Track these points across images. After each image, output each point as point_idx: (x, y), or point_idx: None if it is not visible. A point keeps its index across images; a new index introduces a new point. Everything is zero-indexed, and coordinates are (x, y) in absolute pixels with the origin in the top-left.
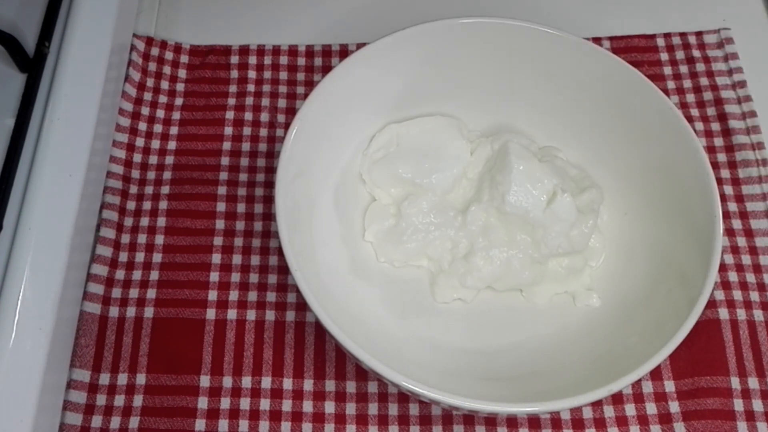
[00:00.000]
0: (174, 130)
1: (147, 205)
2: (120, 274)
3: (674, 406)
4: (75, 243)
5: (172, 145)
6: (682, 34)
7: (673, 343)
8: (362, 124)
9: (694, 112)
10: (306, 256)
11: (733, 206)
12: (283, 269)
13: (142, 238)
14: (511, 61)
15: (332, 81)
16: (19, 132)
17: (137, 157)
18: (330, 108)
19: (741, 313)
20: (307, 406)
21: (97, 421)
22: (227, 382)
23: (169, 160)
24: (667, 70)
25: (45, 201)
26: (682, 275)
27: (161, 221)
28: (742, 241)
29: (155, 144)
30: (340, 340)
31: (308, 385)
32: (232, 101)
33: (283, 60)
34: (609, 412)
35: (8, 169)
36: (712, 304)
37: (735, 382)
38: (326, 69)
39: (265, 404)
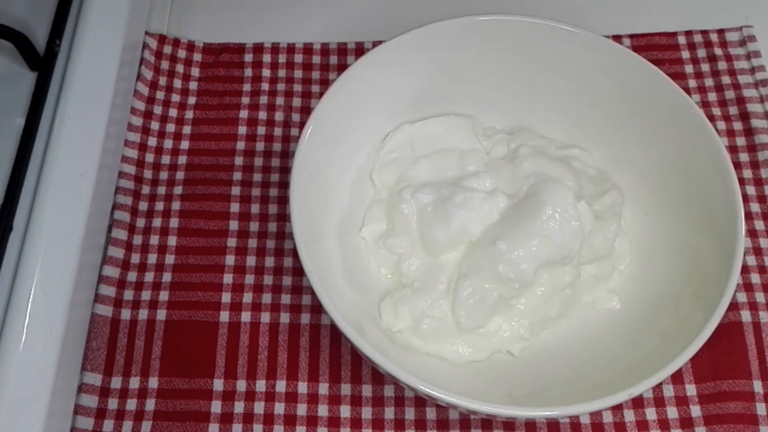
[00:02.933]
0: (187, 130)
1: (159, 206)
2: (132, 276)
3: (696, 410)
4: (86, 244)
5: (185, 144)
6: (704, 32)
7: (694, 346)
8: (378, 123)
9: (716, 111)
10: (321, 257)
11: (755, 207)
12: (298, 271)
13: (154, 240)
14: (529, 60)
15: (348, 79)
16: (30, 131)
17: (149, 157)
18: (345, 107)
19: (764, 316)
20: (323, 411)
21: (108, 425)
22: (241, 385)
23: (182, 159)
24: (689, 68)
25: (56, 201)
26: (704, 277)
27: (174, 222)
28: (765, 243)
29: (168, 143)
30: (355, 342)
31: (323, 388)
32: (246, 100)
33: (298, 58)
34: (629, 416)
35: (18, 169)
36: (734, 306)
37: (757, 386)
38: (342, 67)
39: (279, 408)
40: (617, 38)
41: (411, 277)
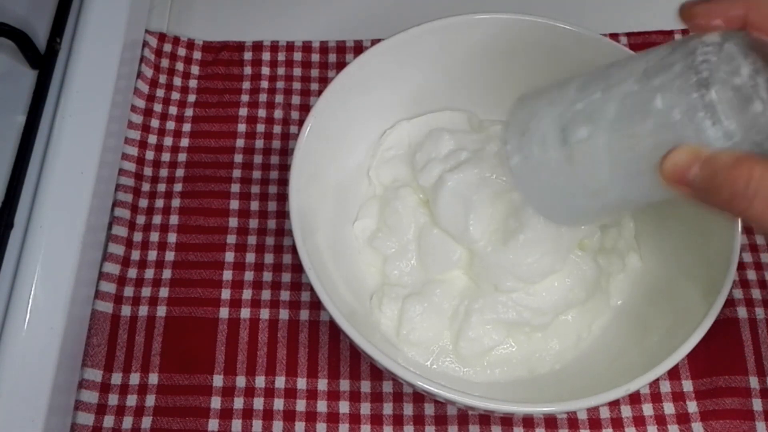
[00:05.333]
0: (187, 127)
1: (159, 203)
2: (132, 273)
3: (692, 406)
4: (87, 241)
5: (184, 142)
6: None
7: (690, 342)
8: (377, 120)
9: None
10: (320, 254)
11: None
12: (297, 267)
13: (154, 236)
14: (527, 57)
15: (347, 77)
16: (31, 129)
17: (149, 155)
18: (344, 104)
19: (760, 312)
20: (321, 406)
21: (109, 421)
22: (240, 381)
23: (182, 157)
24: None
25: (56, 198)
26: (700, 273)
27: (174, 219)
28: (761, 239)
29: (168, 141)
30: (354, 339)
31: (322, 384)
32: (245, 98)
33: (297, 56)
34: (626, 411)
35: (19, 167)
36: (730, 302)
37: (753, 382)
38: (341, 65)
39: (278, 404)
40: (614, 36)
41: (398, 281)
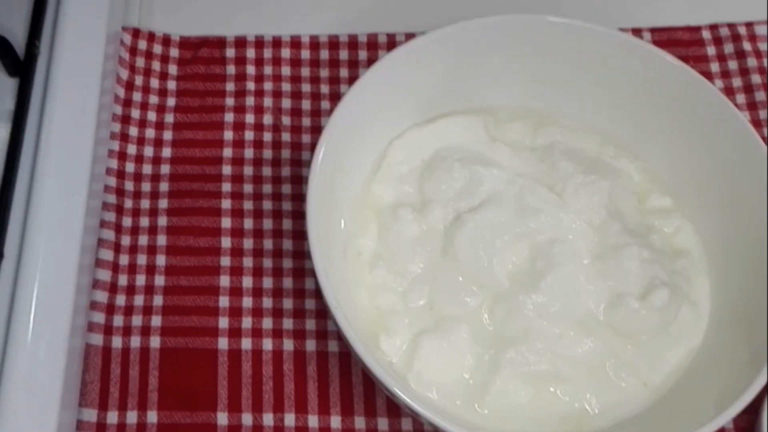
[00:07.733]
0: (168, 135)
1: (145, 222)
2: (120, 300)
3: None
4: (81, 268)
5: (166, 152)
6: (731, 25)
7: (738, 405)
8: (387, 132)
9: (744, 115)
10: (339, 286)
11: None
12: (299, 293)
13: (141, 259)
14: (548, 58)
15: (359, 91)
16: (15, 145)
17: (129, 167)
18: (357, 121)
19: None
20: None
21: None
22: (247, 419)
23: (165, 169)
24: (714, 67)
25: (48, 226)
26: (749, 323)
27: (161, 239)
28: None
29: (148, 151)
30: (383, 381)
31: (335, 422)
32: (230, 101)
33: (285, 53)
34: None
35: (6, 193)
36: None
37: None
38: (333, 63)
39: None
40: (637, 32)
41: (406, 315)
